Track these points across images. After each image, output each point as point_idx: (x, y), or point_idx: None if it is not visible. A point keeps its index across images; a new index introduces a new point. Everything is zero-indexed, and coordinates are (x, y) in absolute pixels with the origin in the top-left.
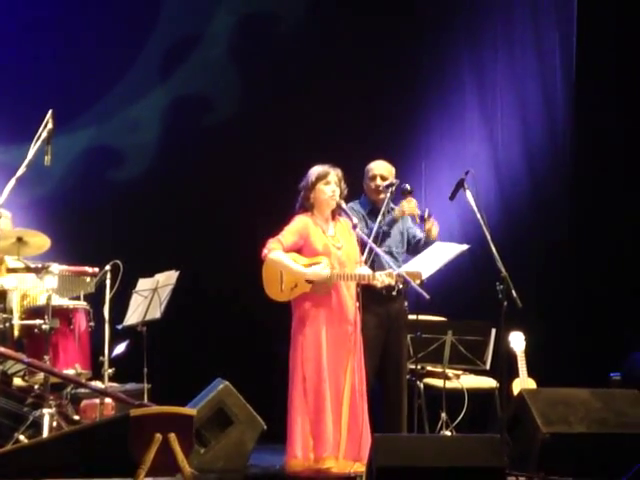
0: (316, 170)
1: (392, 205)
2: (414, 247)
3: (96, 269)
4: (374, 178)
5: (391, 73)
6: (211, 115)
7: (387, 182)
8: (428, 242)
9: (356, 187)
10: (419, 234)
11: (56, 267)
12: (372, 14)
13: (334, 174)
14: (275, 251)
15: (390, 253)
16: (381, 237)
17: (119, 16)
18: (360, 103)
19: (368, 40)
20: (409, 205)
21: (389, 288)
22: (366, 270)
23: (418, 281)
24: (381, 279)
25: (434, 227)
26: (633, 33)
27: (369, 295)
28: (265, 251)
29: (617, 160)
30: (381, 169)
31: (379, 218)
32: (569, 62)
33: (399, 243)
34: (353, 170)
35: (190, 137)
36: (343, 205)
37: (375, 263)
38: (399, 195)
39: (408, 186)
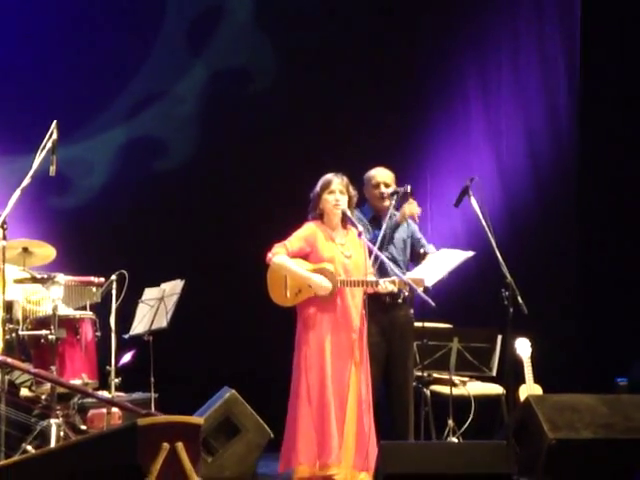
0: (322, 180)
1: (393, 212)
2: (418, 256)
3: (102, 279)
4: (377, 186)
5: (395, 83)
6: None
7: (392, 189)
8: (399, 224)
9: (360, 197)
10: (425, 243)
11: (62, 277)
12: (381, 16)
13: (338, 182)
14: (279, 255)
15: (393, 260)
16: (386, 244)
17: (126, 15)
18: (364, 114)
19: (373, 50)
20: (410, 207)
21: (393, 295)
22: (373, 278)
23: (422, 288)
24: (384, 285)
25: (410, 207)
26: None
27: (373, 303)
28: (269, 255)
29: (622, 167)
30: (384, 176)
31: (384, 225)
32: (573, 70)
33: (401, 250)
34: (359, 181)
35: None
36: (348, 213)
37: (381, 270)
38: (402, 201)
39: (409, 187)
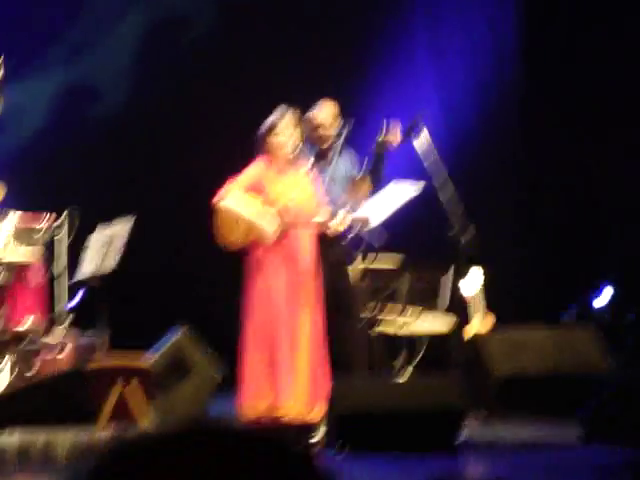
0: (268, 120)
1: (338, 143)
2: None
3: (53, 215)
4: (316, 128)
5: (338, 18)
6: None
7: (337, 131)
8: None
9: None
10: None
11: (13, 215)
12: None
13: (285, 123)
14: (228, 196)
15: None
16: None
17: None
18: (309, 48)
19: None
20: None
21: (342, 235)
22: (322, 218)
23: (367, 227)
24: (333, 227)
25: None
26: None
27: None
28: (216, 198)
29: (566, 88)
30: (323, 118)
31: (335, 158)
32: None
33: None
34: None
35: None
36: (295, 153)
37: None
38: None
39: (348, 126)
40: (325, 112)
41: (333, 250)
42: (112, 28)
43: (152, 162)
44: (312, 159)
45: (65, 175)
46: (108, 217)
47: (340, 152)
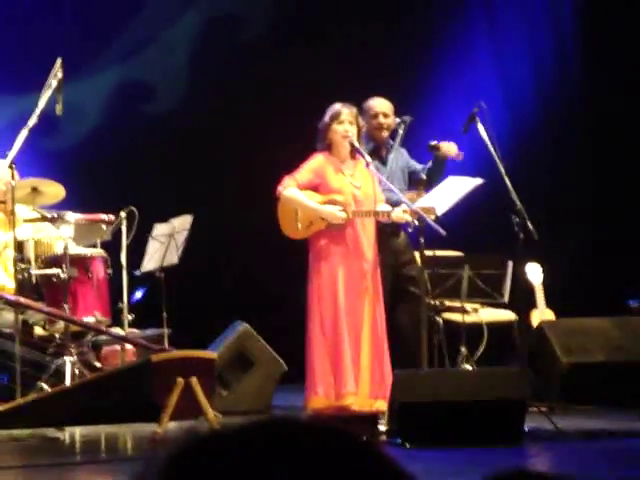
0: (330, 110)
1: (391, 142)
2: (416, 183)
3: (111, 216)
4: (376, 116)
5: (395, 13)
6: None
7: (398, 120)
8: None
9: None
10: (419, 169)
11: (71, 215)
12: None
13: (348, 113)
14: (290, 188)
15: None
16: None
17: None
18: (369, 43)
19: None
20: (449, 146)
21: (406, 225)
22: (386, 207)
23: (433, 217)
24: (398, 215)
25: (449, 147)
26: None
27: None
28: (280, 188)
29: (632, 90)
30: (383, 106)
31: (391, 155)
32: None
33: (401, 181)
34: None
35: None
36: (356, 144)
37: (389, 201)
38: (408, 130)
39: (409, 118)
40: (383, 101)
41: (398, 239)
42: (168, 27)
43: (206, 160)
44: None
45: (121, 174)
46: (165, 215)
47: (396, 148)
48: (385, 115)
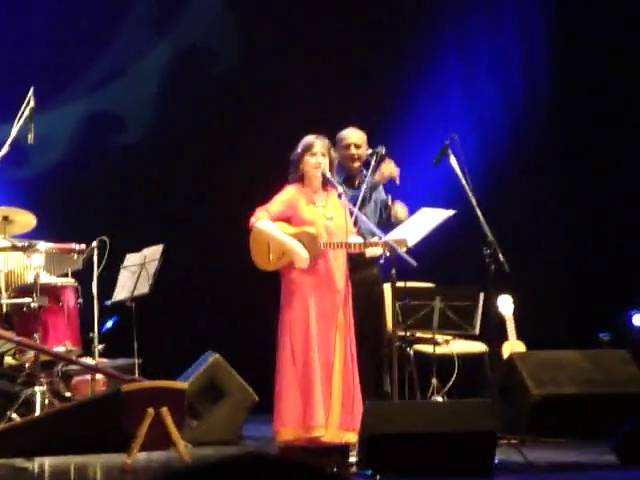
0: (303, 141)
1: (370, 173)
2: (387, 218)
3: (83, 246)
4: (349, 147)
5: (368, 38)
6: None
7: (370, 150)
8: (397, 223)
9: None
10: (389, 203)
11: (43, 245)
12: None
13: (320, 144)
14: (262, 220)
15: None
16: (365, 206)
17: None
18: (340, 74)
19: (354, 7)
20: (388, 167)
21: (378, 257)
22: (357, 239)
23: (404, 248)
24: (371, 250)
25: (400, 209)
26: None
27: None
28: (252, 220)
29: (599, 117)
30: (355, 137)
31: (363, 186)
32: (549, 23)
33: (373, 212)
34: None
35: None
36: (328, 175)
37: (360, 231)
38: (379, 161)
39: (383, 148)
40: (355, 132)
41: (369, 271)
42: (138, 58)
43: (177, 190)
44: (342, 185)
45: (92, 204)
46: (135, 246)
47: (370, 180)
48: (357, 146)
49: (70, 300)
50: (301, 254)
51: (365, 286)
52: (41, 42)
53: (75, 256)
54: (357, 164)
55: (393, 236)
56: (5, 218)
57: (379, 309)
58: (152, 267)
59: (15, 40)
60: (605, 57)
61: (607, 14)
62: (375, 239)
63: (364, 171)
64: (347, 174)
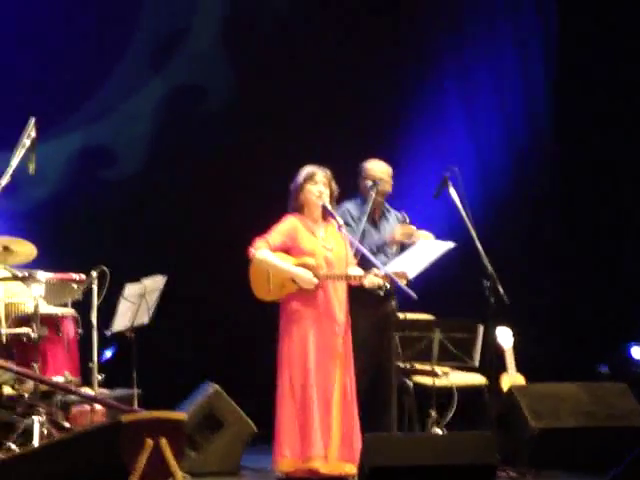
0: (304, 171)
1: (387, 206)
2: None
3: (83, 276)
4: (380, 180)
5: (371, 71)
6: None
7: (370, 183)
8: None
9: (341, 187)
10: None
11: (42, 275)
12: (361, 14)
13: (322, 175)
14: (262, 250)
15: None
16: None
17: (100, 15)
18: (338, 107)
19: (352, 40)
20: (404, 231)
21: (378, 288)
22: (357, 271)
23: (404, 281)
24: (370, 279)
25: (404, 229)
26: (614, 29)
27: (359, 298)
28: (252, 250)
29: (601, 150)
30: (380, 172)
31: (363, 219)
32: (549, 53)
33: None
34: (336, 170)
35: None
36: (328, 206)
37: (362, 264)
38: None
39: (406, 217)
40: (382, 166)
41: (389, 304)
42: (131, 94)
43: (167, 226)
44: (355, 217)
45: (86, 235)
46: (134, 275)
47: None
48: (384, 181)
49: (70, 330)
50: (306, 276)
51: (385, 319)
52: (36, 73)
53: (75, 286)
54: (379, 198)
55: (393, 268)
56: (5, 248)
57: (391, 343)
58: (152, 297)
59: (11, 68)
60: (605, 88)
61: (608, 46)
62: (377, 272)
63: (386, 204)
64: (371, 210)
